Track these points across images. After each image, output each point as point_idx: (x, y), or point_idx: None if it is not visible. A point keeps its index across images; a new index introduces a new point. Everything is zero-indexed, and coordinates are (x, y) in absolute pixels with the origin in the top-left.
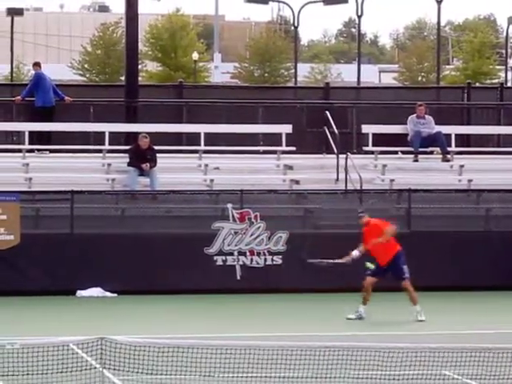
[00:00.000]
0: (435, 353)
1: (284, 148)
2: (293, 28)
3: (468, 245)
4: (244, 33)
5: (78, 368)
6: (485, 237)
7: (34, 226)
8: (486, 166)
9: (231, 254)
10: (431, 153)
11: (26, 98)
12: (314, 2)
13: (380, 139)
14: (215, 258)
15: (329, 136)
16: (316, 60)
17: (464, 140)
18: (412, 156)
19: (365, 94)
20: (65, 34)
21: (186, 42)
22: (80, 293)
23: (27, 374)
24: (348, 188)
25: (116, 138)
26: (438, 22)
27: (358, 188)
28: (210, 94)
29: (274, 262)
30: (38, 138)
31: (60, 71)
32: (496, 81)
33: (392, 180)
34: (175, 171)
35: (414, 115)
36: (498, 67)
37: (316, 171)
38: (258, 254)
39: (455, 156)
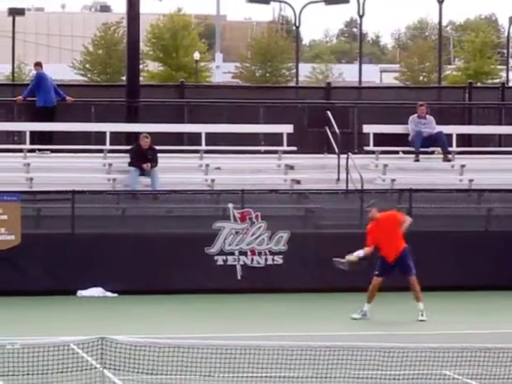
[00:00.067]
0: (435, 352)
1: (285, 148)
2: (294, 28)
3: (469, 245)
4: (245, 33)
5: (78, 368)
6: (486, 237)
7: (34, 226)
8: (487, 165)
9: (232, 253)
10: (432, 153)
11: (28, 98)
12: (316, 1)
13: (381, 139)
14: (216, 257)
15: (330, 136)
16: (317, 60)
17: (465, 140)
18: (413, 156)
19: (366, 93)
20: (66, 33)
21: (187, 41)
22: (81, 293)
23: (28, 374)
24: (349, 188)
25: (117, 137)
26: (440, 22)
27: (359, 188)
28: (212, 94)
29: (275, 262)
30: (39, 137)
31: (61, 71)
32: (497, 81)
33: (393, 180)
34: (176, 171)
35: (415, 115)
36: (499, 67)
37: (317, 171)
38: (259, 254)
39: (456, 156)
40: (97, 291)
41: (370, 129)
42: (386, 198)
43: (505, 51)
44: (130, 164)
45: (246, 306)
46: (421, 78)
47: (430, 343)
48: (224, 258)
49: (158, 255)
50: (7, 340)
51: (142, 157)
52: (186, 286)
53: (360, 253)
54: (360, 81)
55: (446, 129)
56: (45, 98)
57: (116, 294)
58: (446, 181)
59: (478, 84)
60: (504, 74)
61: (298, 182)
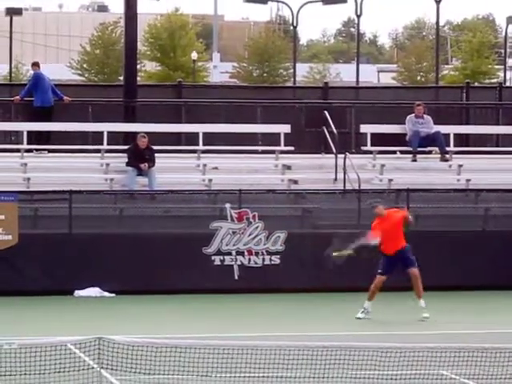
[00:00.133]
0: (433, 352)
1: (282, 148)
2: (292, 28)
3: (466, 244)
4: (243, 32)
5: (75, 368)
6: (483, 236)
7: (32, 226)
8: (485, 165)
9: (229, 253)
10: (430, 152)
11: (25, 98)
12: (313, 1)
13: (378, 139)
14: (213, 257)
15: (327, 136)
16: (315, 60)
17: (463, 140)
18: (410, 156)
19: (363, 93)
20: (64, 33)
21: (184, 41)
22: (78, 293)
23: (25, 374)
24: (346, 188)
25: (114, 137)
26: (437, 22)
27: (357, 188)
28: (209, 94)
29: (272, 262)
30: (36, 137)
31: (59, 71)
32: (495, 80)
33: (390, 180)
34: (174, 171)
35: (413, 115)
36: (496, 67)
37: (314, 171)
38: (256, 254)
39: (454, 156)
40: (94, 291)
41: (367, 129)
42: (384, 198)
43: (502, 51)
44: (128, 164)
45: (243, 305)
46: (418, 77)
47: (427, 343)
48: (221, 257)
49: (156, 255)
50: (4, 340)
51: (140, 157)
52: (183, 285)
53: (365, 240)
54: (357, 81)
55: (444, 129)
56: (42, 98)
57: (113, 294)
58: (444, 181)
59: (476, 84)
60: (501, 74)
61: (296, 181)
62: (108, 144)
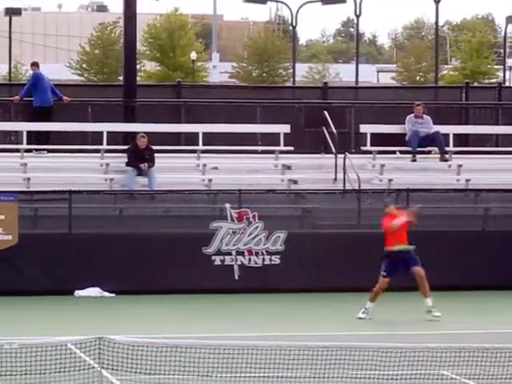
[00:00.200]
0: (433, 352)
1: (282, 148)
2: (291, 28)
3: (466, 244)
4: (242, 32)
5: (76, 368)
6: (483, 236)
7: (32, 226)
8: (484, 165)
9: (229, 253)
10: (429, 152)
11: (24, 98)
12: (312, 1)
13: (378, 139)
14: (213, 257)
15: (327, 136)
16: (314, 60)
17: (462, 140)
18: (410, 156)
19: (363, 93)
20: (63, 33)
21: (184, 41)
22: (78, 293)
23: (25, 374)
24: (346, 188)
25: (114, 137)
26: (436, 22)
27: (357, 188)
28: (209, 94)
29: (272, 262)
30: (36, 137)
31: (58, 71)
32: (494, 80)
33: (390, 180)
34: (173, 171)
35: (412, 115)
36: (496, 67)
37: (314, 171)
38: (256, 254)
39: (453, 156)
40: (94, 291)
41: (366, 129)
42: (384, 198)
43: (501, 51)
44: (127, 164)
45: (243, 305)
46: (418, 77)
47: (427, 343)
48: (221, 257)
49: (156, 255)
50: (5, 340)
51: (139, 157)
52: (183, 285)
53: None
54: (357, 81)
55: (443, 129)
56: (42, 98)
57: (113, 294)
58: (443, 181)
59: (475, 84)
60: (501, 74)
61: (295, 181)
62: (108, 144)
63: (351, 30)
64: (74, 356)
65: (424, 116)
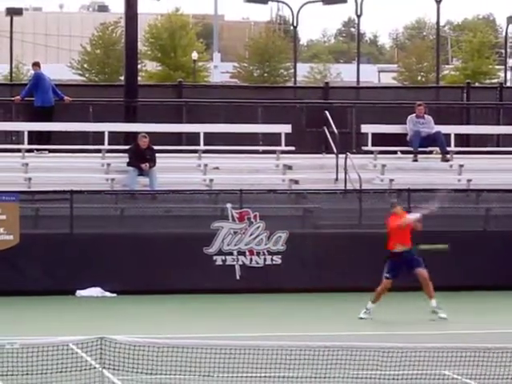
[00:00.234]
0: (435, 352)
1: (283, 148)
2: (292, 28)
3: (467, 244)
4: (243, 32)
5: (77, 368)
6: (484, 236)
7: (33, 226)
8: (486, 165)
9: (231, 253)
10: (430, 152)
11: (26, 98)
12: (314, 1)
13: (379, 139)
14: (215, 257)
15: (328, 136)
16: (315, 60)
17: (463, 140)
18: (411, 156)
19: (364, 93)
20: (64, 33)
21: (185, 41)
22: (79, 293)
23: (27, 374)
24: (347, 188)
25: (115, 137)
26: (438, 22)
27: (358, 188)
28: (210, 94)
29: (274, 262)
30: (37, 137)
31: (59, 71)
32: (495, 80)
33: (391, 180)
34: (175, 171)
35: (414, 115)
36: (497, 67)
37: (315, 171)
38: (258, 254)
39: (454, 156)
40: (95, 291)
41: (368, 129)
42: (385, 198)
43: (503, 51)
44: (129, 164)
45: (244, 305)
46: (419, 77)
47: (429, 343)
48: (223, 257)
49: (157, 255)
50: (6, 340)
51: (141, 157)
52: (184, 285)
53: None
54: (358, 81)
55: (445, 129)
56: (43, 98)
57: (115, 294)
58: (445, 181)
59: (476, 84)
60: (502, 74)
61: (297, 181)
62: (109, 144)
63: (352, 29)
64: (75, 356)
65: (425, 116)
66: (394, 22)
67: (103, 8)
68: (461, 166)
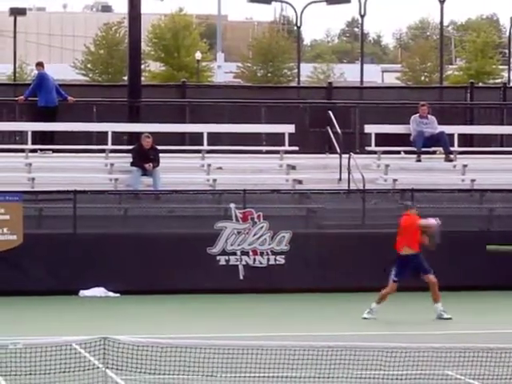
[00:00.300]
0: (438, 353)
1: (287, 148)
2: (295, 28)
3: (471, 244)
4: (247, 32)
5: (80, 368)
6: (487, 236)
7: (36, 226)
8: (489, 165)
9: (234, 253)
10: (434, 153)
11: (29, 98)
12: (317, 1)
13: (383, 139)
14: (218, 257)
15: (332, 136)
16: (319, 60)
17: (467, 140)
18: (415, 156)
19: (368, 93)
20: (68, 33)
21: (188, 41)
22: (83, 293)
23: (30, 374)
24: (351, 188)
25: (119, 137)
26: (441, 22)
27: (361, 188)
28: (213, 94)
29: (277, 262)
30: (40, 137)
31: (63, 71)
32: (499, 80)
33: (395, 180)
34: (178, 171)
35: (417, 115)
36: (500, 67)
37: (319, 171)
38: (261, 254)
39: (458, 156)
40: (99, 291)
41: (371, 129)
42: (388, 198)
43: (506, 51)
44: (132, 164)
45: (247, 305)
46: (422, 77)
47: (432, 343)
48: (226, 258)
49: (160, 255)
50: (9, 340)
51: (144, 157)
52: (187, 286)
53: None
54: (361, 81)
55: (448, 129)
56: (46, 98)
57: (118, 294)
58: (448, 181)
59: (480, 84)
60: (506, 74)
61: (300, 181)
62: (112, 144)
63: (356, 30)
64: (78, 356)
65: (429, 116)
66: (398, 22)
67: (107, 8)
68: (464, 166)
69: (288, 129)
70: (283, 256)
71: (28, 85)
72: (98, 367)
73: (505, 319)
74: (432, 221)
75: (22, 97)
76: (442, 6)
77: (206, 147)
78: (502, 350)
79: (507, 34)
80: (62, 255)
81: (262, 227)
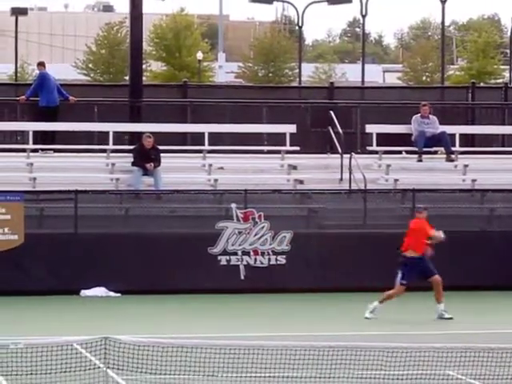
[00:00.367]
0: (439, 353)
1: (288, 148)
2: (297, 28)
3: (472, 244)
4: (248, 32)
5: (81, 368)
6: (488, 236)
7: (38, 226)
8: (491, 165)
9: (235, 253)
10: (435, 153)
11: (31, 98)
12: (319, 1)
13: (384, 139)
14: (219, 257)
15: (333, 136)
16: (320, 60)
17: (468, 140)
18: (416, 156)
19: (369, 93)
20: (69, 33)
21: (190, 41)
22: (84, 292)
23: (31, 374)
24: (352, 188)
25: (120, 137)
26: (443, 22)
27: (362, 188)
28: (215, 94)
29: (278, 262)
30: (42, 137)
31: (64, 71)
32: (500, 80)
33: (396, 180)
34: (179, 171)
35: (418, 115)
36: (502, 67)
37: (320, 171)
38: (262, 254)
39: (459, 156)
40: (100, 291)
41: (372, 129)
42: (390, 198)
43: (508, 51)
44: (133, 164)
45: (248, 305)
46: (424, 77)
47: (433, 343)
48: (227, 257)
49: (161, 255)
50: (10, 340)
51: (145, 156)
52: (189, 285)
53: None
54: (363, 81)
55: (449, 129)
56: (48, 98)
57: (119, 294)
58: (449, 181)
59: (481, 84)
60: (507, 74)
61: (301, 181)
62: (114, 144)
63: (357, 29)
64: (79, 356)
65: (430, 116)
66: (399, 22)
67: (108, 8)
68: (466, 166)
69: (289, 129)
70: (284, 256)
71: (29, 85)
72: (98, 367)
73: (505, 319)
74: (442, 235)
75: (23, 97)
76: (444, 5)
77: (207, 147)
78: (503, 349)
79: (508, 33)
80: (63, 255)
81: (263, 227)
